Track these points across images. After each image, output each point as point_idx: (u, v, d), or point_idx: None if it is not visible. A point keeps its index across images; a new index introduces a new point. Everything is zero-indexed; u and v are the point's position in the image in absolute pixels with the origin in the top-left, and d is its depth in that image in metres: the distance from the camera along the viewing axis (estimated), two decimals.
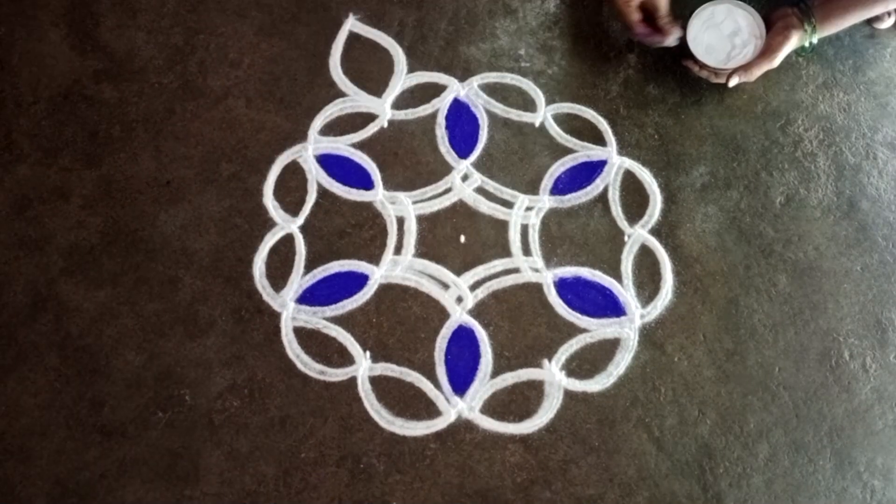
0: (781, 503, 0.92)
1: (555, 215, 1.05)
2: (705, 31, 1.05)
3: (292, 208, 1.05)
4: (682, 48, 1.05)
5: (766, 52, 1.02)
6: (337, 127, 1.09)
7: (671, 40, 1.05)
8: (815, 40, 1.04)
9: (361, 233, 1.04)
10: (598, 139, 1.09)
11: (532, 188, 1.06)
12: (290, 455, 0.93)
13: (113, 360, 0.97)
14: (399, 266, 1.02)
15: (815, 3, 1.03)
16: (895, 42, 1.16)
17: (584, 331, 0.99)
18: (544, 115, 1.10)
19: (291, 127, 1.09)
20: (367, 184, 1.06)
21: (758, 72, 1.04)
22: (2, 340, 0.98)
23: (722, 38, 1.05)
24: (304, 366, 0.97)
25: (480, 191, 1.06)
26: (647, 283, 1.02)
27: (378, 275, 1.02)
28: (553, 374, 0.97)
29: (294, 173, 1.07)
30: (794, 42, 1.03)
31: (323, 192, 1.06)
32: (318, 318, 0.99)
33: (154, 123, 1.09)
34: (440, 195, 1.06)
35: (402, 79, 1.12)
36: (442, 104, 1.11)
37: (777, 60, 1.03)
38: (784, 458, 0.93)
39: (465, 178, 1.07)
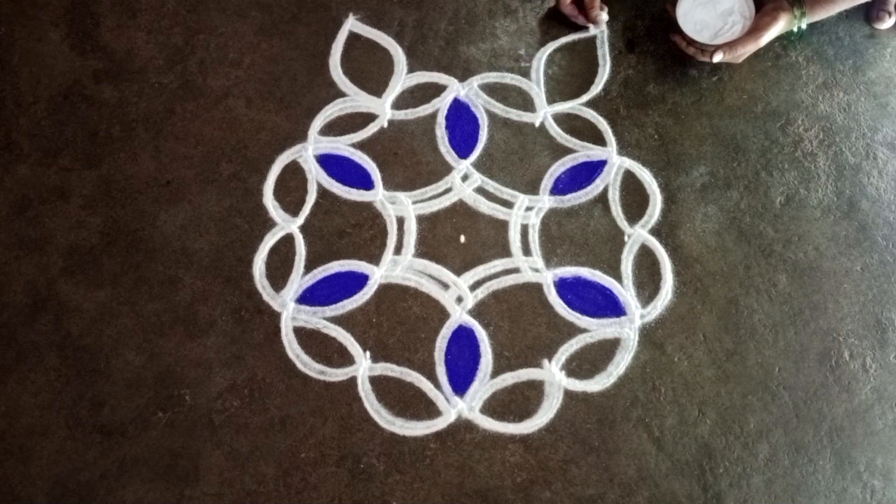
0: (781, 503, 0.92)
1: (555, 215, 1.05)
2: (696, 8, 1.06)
3: (292, 208, 1.05)
4: (673, 23, 1.06)
5: (753, 31, 1.03)
6: (337, 127, 1.09)
7: (593, 30, 1.11)
8: (803, 25, 1.05)
9: (361, 233, 1.04)
10: (598, 139, 1.09)
11: (532, 188, 1.06)
12: (290, 455, 0.93)
13: (113, 360, 0.97)
14: (399, 266, 1.02)
15: None
16: (895, 42, 1.16)
17: (584, 331, 0.99)
18: (544, 115, 1.10)
19: (291, 127, 1.09)
20: (367, 184, 1.06)
21: (742, 51, 1.04)
22: (2, 340, 0.98)
23: (714, 15, 1.05)
24: (304, 366, 0.97)
25: (480, 191, 1.06)
26: (647, 283, 1.01)
27: (378, 275, 1.02)
28: (553, 374, 0.97)
29: (294, 173, 1.07)
30: (781, 25, 1.04)
31: (323, 192, 1.06)
32: (318, 318, 0.99)
33: (154, 123, 1.09)
34: (440, 195, 1.06)
35: (402, 79, 1.12)
36: (442, 104, 1.11)
37: (763, 41, 1.04)
38: (784, 458, 0.93)
39: (465, 178, 1.07)
